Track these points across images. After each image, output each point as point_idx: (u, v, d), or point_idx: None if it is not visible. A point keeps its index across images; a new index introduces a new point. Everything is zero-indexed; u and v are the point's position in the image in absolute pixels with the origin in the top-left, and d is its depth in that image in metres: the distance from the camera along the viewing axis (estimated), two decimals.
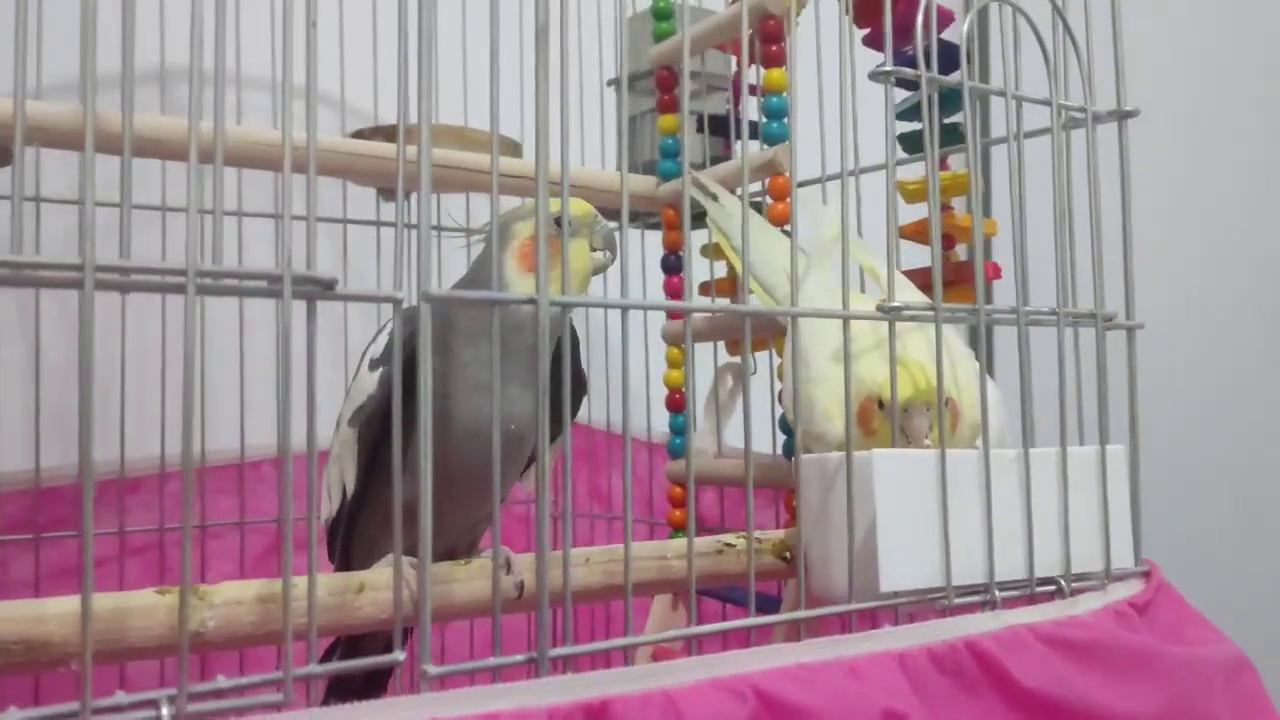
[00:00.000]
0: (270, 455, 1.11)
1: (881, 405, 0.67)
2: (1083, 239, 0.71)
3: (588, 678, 0.49)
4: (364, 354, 0.69)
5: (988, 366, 1.01)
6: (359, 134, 1.05)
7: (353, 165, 0.88)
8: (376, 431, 0.66)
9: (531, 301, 0.49)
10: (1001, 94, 0.67)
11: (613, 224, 0.71)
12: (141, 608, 0.54)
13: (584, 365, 0.77)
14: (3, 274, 0.38)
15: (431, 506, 0.67)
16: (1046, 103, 0.69)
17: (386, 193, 1.14)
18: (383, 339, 0.68)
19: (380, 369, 0.66)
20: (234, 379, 1.08)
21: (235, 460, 1.08)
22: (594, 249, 0.73)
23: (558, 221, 0.67)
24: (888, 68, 0.63)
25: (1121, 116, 0.73)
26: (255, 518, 1.08)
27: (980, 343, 0.65)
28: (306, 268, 0.45)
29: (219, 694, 0.43)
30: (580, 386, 0.76)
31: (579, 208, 0.73)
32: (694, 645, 0.55)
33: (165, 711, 0.41)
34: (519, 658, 0.49)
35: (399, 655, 0.47)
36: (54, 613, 0.52)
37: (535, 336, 0.48)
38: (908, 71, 0.63)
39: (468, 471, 0.64)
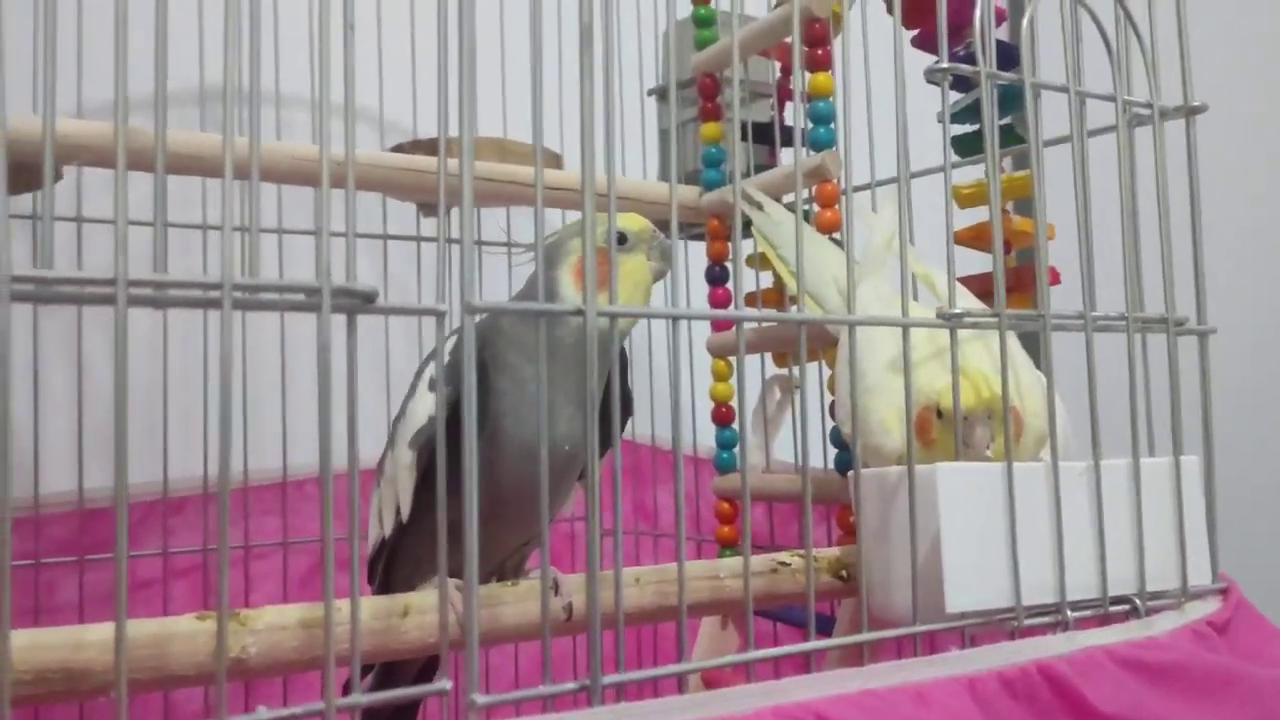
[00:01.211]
0: (314, 474, 1.10)
1: (940, 415, 0.65)
2: (1150, 241, 0.68)
3: (644, 707, 0.46)
4: (419, 373, 0.67)
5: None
6: (398, 148, 1.04)
7: (392, 180, 0.87)
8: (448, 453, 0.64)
9: (579, 313, 0.47)
10: (1064, 90, 0.64)
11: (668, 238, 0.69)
12: (182, 634, 0.52)
13: (630, 382, 0.75)
14: (34, 290, 0.37)
15: (481, 527, 0.66)
16: (1111, 98, 0.66)
17: (427, 208, 1.13)
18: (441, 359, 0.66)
19: (439, 389, 0.64)
20: (276, 396, 1.07)
21: (278, 479, 1.07)
22: (650, 263, 0.72)
23: (621, 238, 0.66)
24: (944, 65, 0.61)
25: (1189, 112, 0.70)
26: (299, 538, 1.07)
27: (1045, 350, 0.62)
28: (346, 280, 0.43)
29: None
30: (626, 405, 0.74)
31: (636, 222, 0.71)
32: (750, 670, 0.52)
33: None
34: (571, 685, 0.47)
35: (445, 684, 0.45)
36: (93, 640, 0.50)
37: (575, 357, 0.46)
38: (965, 68, 0.61)
39: (521, 491, 0.62)
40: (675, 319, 0.51)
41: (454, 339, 0.59)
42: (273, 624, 0.55)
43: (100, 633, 0.51)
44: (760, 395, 1.00)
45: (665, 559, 1.13)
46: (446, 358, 0.64)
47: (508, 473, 0.62)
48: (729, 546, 0.99)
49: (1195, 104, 0.70)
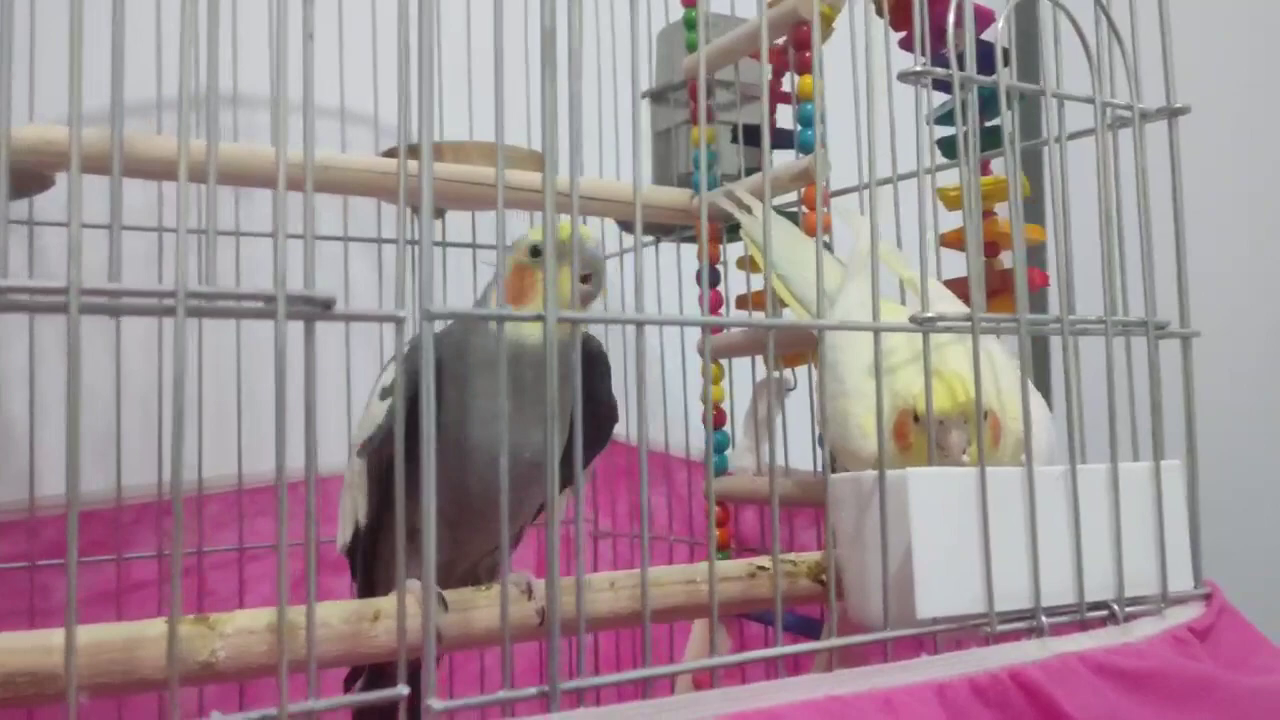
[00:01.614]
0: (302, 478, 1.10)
1: (917, 419, 0.64)
2: (1133, 244, 0.67)
3: (603, 712, 0.46)
4: (377, 381, 0.68)
5: (1043, 382, 0.98)
6: (390, 153, 1.05)
7: (382, 184, 0.87)
8: (387, 461, 0.64)
9: (539, 318, 0.47)
10: (1041, 93, 0.64)
11: (598, 246, 0.66)
12: (151, 638, 0.52)
13: (617, 388, 0.75)
14: None
15: (449, 532, 0.66)
16: (1090, 100, 0.65)
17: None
18: (394, 368, 0.66)
19: (390, 399, 0.64)
20: (270, 400, 1.07)
21: (272, 482, 1.08)
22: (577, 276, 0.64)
23: (535, 250, 0.64)
24: (919, 68, 0.60)
25: (1171, 114, 0.70)
26: (292, 540, 1.07)
27: (1023, 353, 0.62)
28: (304, 287, 0.43)
29: None
30: (610, 413, 0.74)
31: (565, 231, 0.65)
32: (715, 676, 0.52)
33: None
34: (530, 691, 0.47)
35: (401, 689, 0.45)
36: (60, 643, 0.50)
37: (544, 367, 0.46)
38: (939, 71, 0.61)
39: (484, 497, 0.62)
40: (640, 324, 0.51)
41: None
42: (242, 628, 0.55)
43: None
44: (752, 399, 0.99)
45: (657, 563, 1.12)
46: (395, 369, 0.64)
47: (467, 481, 0.62)
48: (723, 549, 0.99)
49: (1178, 105, 0.69)
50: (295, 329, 0.43)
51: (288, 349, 0.42)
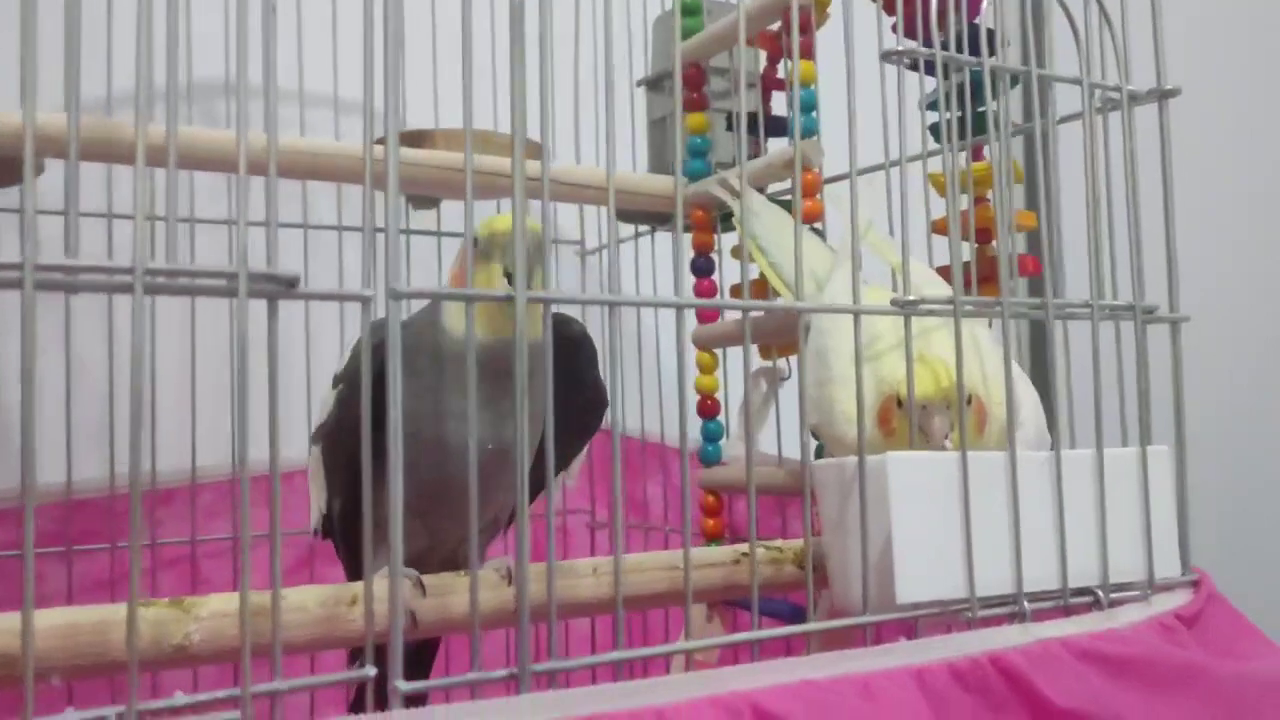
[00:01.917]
0: (301, 467, 1.10)
1: (901, 405, 0.64)
2: (1122, 228, 0.67)
3: (572, 694, 0.46)
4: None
5: (1041, 369, 0.96)
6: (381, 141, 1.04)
7: (351, 169, 0.86)
8: (344, 448, 0.64)
9: (509, 299, 0.47)
10: (1028, 73, 0.63)
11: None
12: (122, 621, 0.52)
13: (605, 375, 0.74)
14: None
15: (420, 520, 0.66)
16: (1077, 81, 0.65)
17: (417, 200, 1.13)
18: (352, 354, 0.66)
19: (339, 387, 0.64)
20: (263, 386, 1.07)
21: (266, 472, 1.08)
22: (507, 273, 0.62)
23: (475, 241, 0.62)
24: (900, 48, 0.60)
25: (1161, 96, 0.69)
26: (288, 529, 1.07)
27: (1006, 335, 0.61)
28: (267, 266, 0.43)
29: (175, 711, 0.41)
30: (598, 397, 0.73)
31: (501, 223, 0.63)
32: (690, 660, 0.52)
33: None
34: (499, 673, 0.47)
35: (369, 670, 0.45)
36: (35, 626, 0.50)
37: (502, 362, 0.46)
38: (921, 51, 0.60)
39: (452, 488, 0.62)
40: (612, 305, 0.50)
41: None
42: (216, 611, 0.55)
43: (42, 619, 0.51)
44: (745, 388, 0.99)
45: (659, 550, 1.12)
46: (346, 355, 0.64)
47: (432, 474, 0.62)
48: (714, 539, 0.98)
49: (1168, 88, 0.69)
50: (256, 310, 0.42)
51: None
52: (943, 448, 0.62)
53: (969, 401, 0.61)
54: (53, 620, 0.52)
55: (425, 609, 0.59)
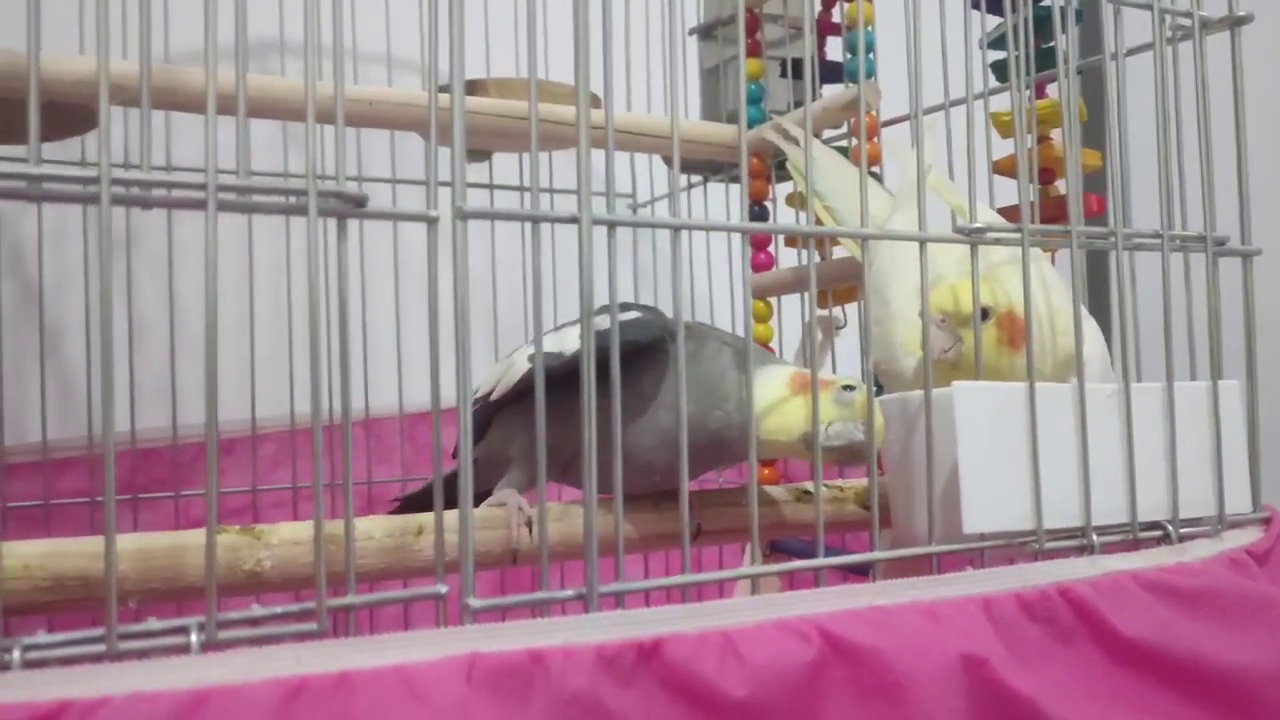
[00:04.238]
0: (360, 418, 1.12)
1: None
2: (1193, 159, 0.65)
3: (640, 614, 0.46)
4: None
5: (1102, 302, 0.95)
6: (444, 88, 1.04)
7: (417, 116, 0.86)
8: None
9: (573, 220, 0.47)
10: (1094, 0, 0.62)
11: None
12: (197, 545, 0.53)
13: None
14: (19, 186, 0.38)
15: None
16: (1148, 6, 0.63)
17: (471, 153, 1.13)
18: (567, 337, 0.65)
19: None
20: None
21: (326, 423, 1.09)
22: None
23: None
24: None
25: (1234, 23, 0.67)
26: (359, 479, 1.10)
27: (1074, 268, 0.60)
28: (337, 184, 0.43)
29: (254, 623, 0.42)
30: None
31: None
32: (755, 585, 0.52)
33: (195, 638, 0.40)
34: (567, 593, 0.47)
35: (440, 588, 0.45)
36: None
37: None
38: None
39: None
40: (676, 229, 0.50)
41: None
42: (287, 539, 0.56)
43: (118, 543, 0.52)
44: (802, 337, 0.98)
45: None
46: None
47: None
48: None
49: (1241, 14, 0.67)
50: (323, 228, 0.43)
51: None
52: (946, 360, 0.61)
53: (987, 316, 0.61)
54: (126, 545, 0.53)
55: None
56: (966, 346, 0.62)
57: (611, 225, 0.48)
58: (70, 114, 0.81)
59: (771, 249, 1.00)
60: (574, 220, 0.47)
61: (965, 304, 0.61)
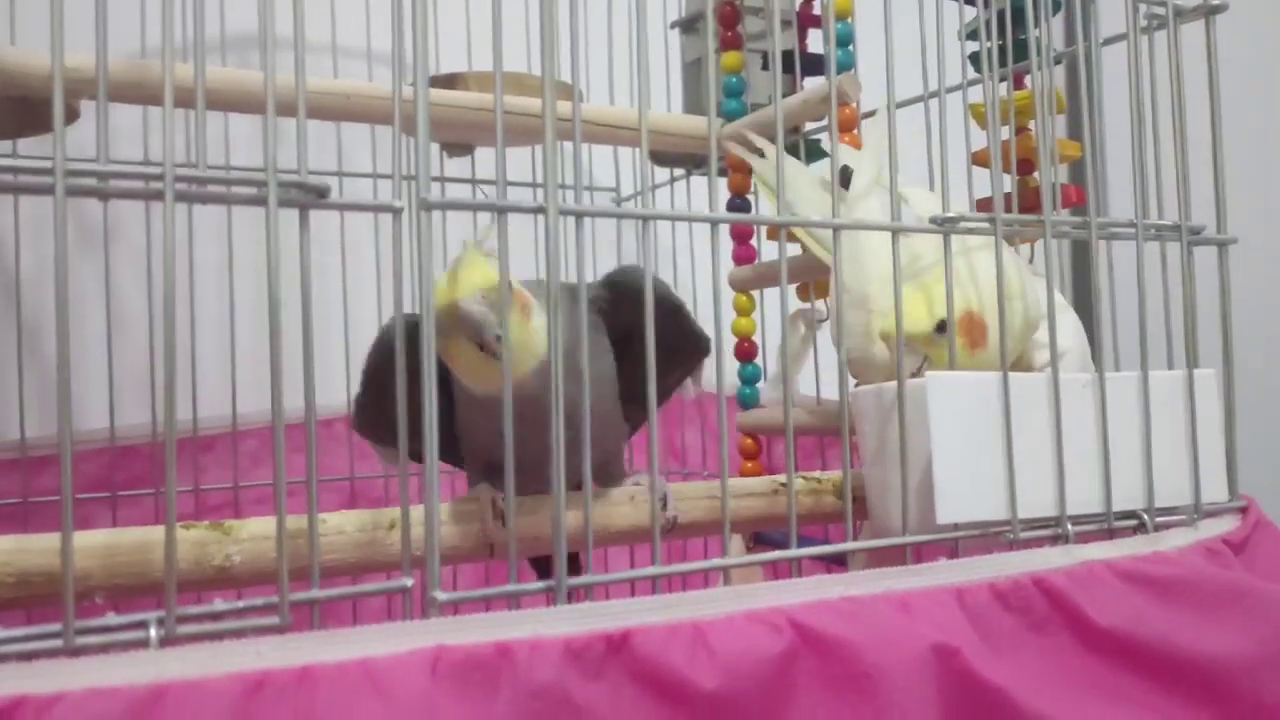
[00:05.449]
0: (342, 414, 1.11)
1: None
2: (1169, 148, 0.65)
3: (608, 606, 0.46)
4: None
5: (1084, 294, 0.95)
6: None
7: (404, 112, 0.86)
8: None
9: (540, 210, 0.46)
10: None
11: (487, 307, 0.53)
12: (164, 541, 0.53)
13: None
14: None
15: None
16: None
17: (451, 147, 1.13)
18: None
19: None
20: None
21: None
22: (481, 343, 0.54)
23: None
24: None
25: (1208, 12, 0.67)
26: (326, 475, 1.09)
27: (1047, 257, 0.60)
28: (298, 175, 0.43)
29: (216, 618, 0.42)
30: (698, 345, 0.72)
31: (463, 286, 0.53)
32: (726, 576, 0.51)
33: (154, 633, 0.40)
34: (536, 586, 0.47)
35: (406, 581, 0.45)
36: (76, 546, 0.51)
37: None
38: None
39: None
40: (645, 219, 0.50)
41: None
42: (256, 534, 0.55)
43: (83, 540, 0.52)
44: (783, 330, 0.98)
45: None
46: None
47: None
48: None
49: (1215, 3, 0.67)
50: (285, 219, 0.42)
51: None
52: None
53: (943, 331, 0.61)
54: (94, 541, 0.52)
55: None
56: (934, 358, 0.62)
57: (579, 216, 0.48)
58: (44, 109, 0.80)
59: (754, 242, 1.00)
60: (540, 210, 0.46)
61: (916, 324, 0.61)
